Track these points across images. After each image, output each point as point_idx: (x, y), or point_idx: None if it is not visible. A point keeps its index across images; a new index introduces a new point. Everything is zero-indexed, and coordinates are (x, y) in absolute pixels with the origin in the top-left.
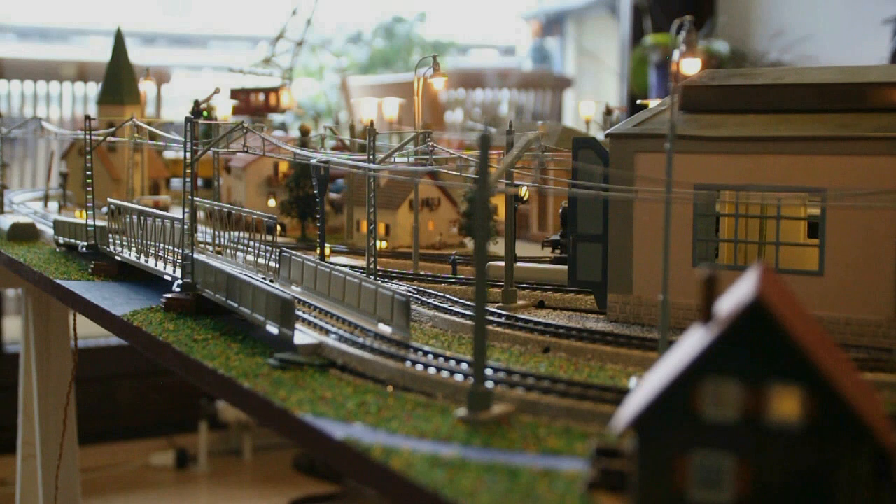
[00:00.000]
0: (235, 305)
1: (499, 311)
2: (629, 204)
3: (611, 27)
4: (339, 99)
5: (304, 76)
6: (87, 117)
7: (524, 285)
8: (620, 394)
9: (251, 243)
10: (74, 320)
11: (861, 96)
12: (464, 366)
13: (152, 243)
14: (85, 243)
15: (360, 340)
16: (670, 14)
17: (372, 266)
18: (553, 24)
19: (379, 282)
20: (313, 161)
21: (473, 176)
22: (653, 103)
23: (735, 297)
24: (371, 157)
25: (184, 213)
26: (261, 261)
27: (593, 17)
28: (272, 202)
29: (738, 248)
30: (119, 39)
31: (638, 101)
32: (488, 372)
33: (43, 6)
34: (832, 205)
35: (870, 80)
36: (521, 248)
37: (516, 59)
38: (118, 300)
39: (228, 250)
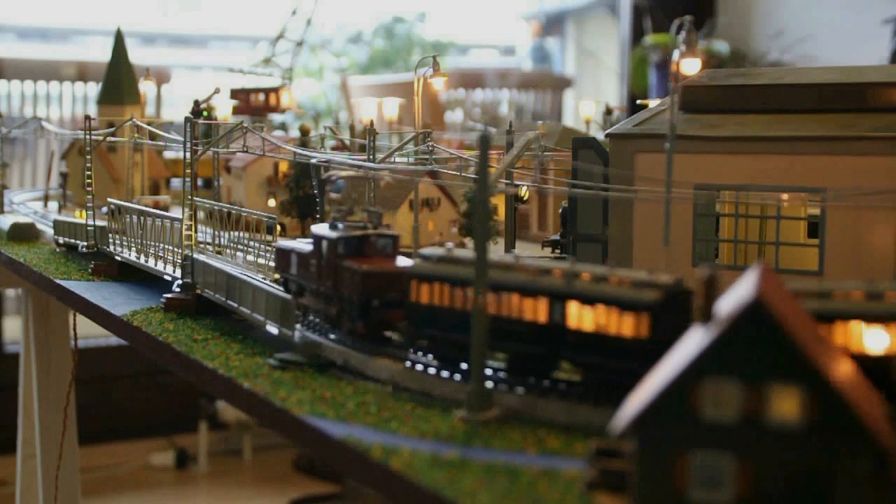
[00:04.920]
0: (235, 305)
1: None
2: (629, 204)
3: (611, 27)
4: (339, 99)
5: (304, 76)
6: (87, 117)
7: None
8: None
9: (251, 243)
10: (74, 320)
11: (861, 96)
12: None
13: (152, 243)
14: (85, 243)
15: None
16: (670, 14)
17: None
18: (553, 24)
19: None
20: (313, 161)
21: (473, 176)
22: (653, 103)
23: (735, 297)
24: (371, 157)
25: (184, 213)
26: (261, 261)
27: (593, 17)
28: (272, 202)
29: (738, 248)
30: (119, 39)
31: (638, 101)
32: (488, 372)
33: (43, 6)
34: (832, 205)
35: (870, 80)
36: (521, 248)
37: (516, 59)
38: (118, 300)
39: (228, 250)
